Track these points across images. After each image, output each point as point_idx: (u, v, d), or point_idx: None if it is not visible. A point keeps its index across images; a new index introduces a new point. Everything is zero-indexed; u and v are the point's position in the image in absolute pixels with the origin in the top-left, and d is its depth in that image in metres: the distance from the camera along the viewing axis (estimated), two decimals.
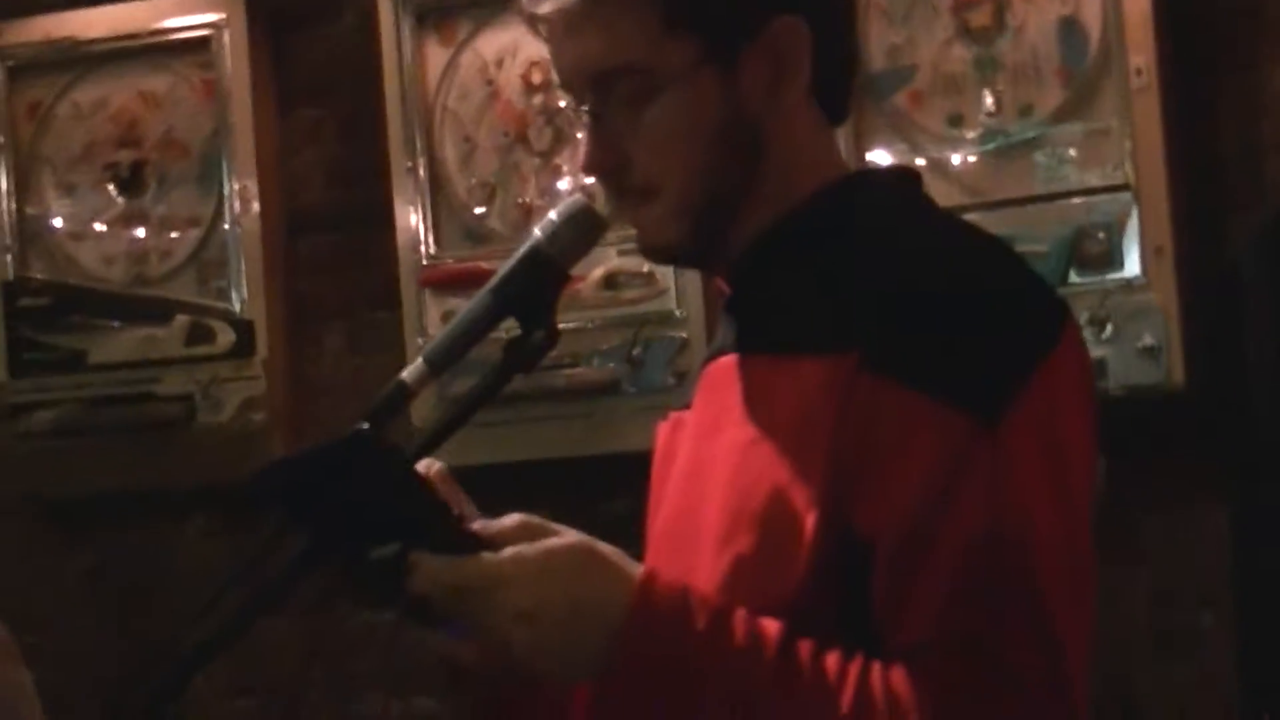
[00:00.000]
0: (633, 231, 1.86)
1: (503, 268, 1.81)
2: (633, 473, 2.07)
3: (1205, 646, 3.59)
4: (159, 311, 4.32)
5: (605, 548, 1.66)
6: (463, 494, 1.88)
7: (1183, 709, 3.57)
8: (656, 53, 1.77)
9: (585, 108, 1.82)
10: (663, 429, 1.96)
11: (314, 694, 4.26)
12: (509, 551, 1.63)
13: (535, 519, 1.67)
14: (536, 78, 4.06)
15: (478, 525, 1.66)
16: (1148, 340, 3.53)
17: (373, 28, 4.14)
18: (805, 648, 1.62)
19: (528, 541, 1.64)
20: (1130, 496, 3.49)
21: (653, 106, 1.77)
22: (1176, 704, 3.56)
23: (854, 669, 1.61)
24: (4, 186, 4.45)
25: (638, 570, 1.65)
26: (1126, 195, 3.57)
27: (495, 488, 1.95)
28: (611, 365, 3.91)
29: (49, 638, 4.21)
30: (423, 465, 1.87)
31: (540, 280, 1.81)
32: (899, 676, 1.61)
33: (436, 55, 4.14)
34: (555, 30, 1.81)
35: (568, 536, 1.66)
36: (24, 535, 4.47)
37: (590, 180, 1.87)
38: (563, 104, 3.96)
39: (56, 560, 4.44)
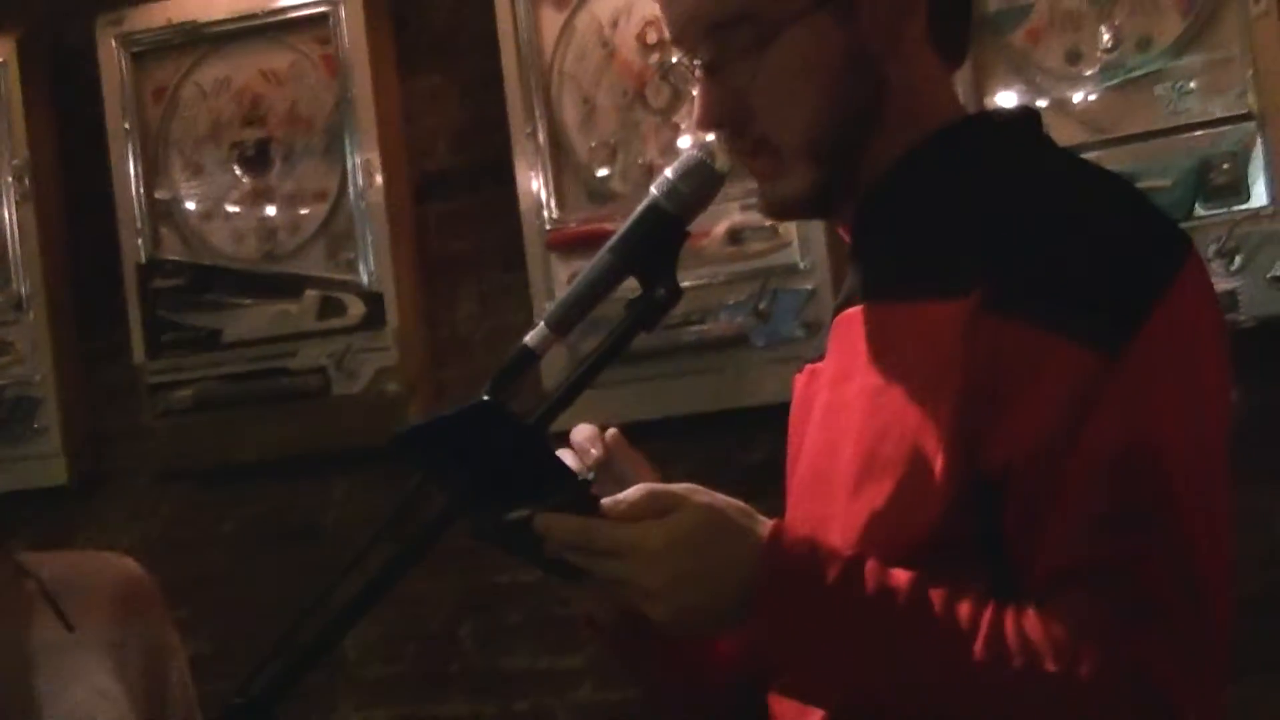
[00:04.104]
0: (753, 185, 1.86)
1: (621, 227, 1.81)
2: (766, 424, 2.08)
3: None
4: (290, 287, 4.36)
5: (731, 509, 1.65)
6: (637, 453, 1.90)
7: None
8: None
9: (700, 62, 1.81)
10: (799, 380, 1.96)
11: (464, 648, 4.30)
12: (632, 508, 1.63)
13: (660, 487, 1.66)
14: (652, 37, 4.05)
15: (606, 501, 1.65)
16: (1279, 269, 3.49)
17: None
18: (937, 596, 1.62)
19: (654, 509, 1.63)
20: (1268, 422, 3.46)
21: (771, 52, 1.76)
22: None
23: (987, 614, 1.61)
24: (134, 170, 4.49)
25: (765, 527, 1.65)
26: (1250, 124, 3.53)
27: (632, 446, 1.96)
28: (739, 319, 3.91)
29: (207, 599, 4.29)
30: (590, 431, 1.89)
31: (659, 237, 1.80)
32: (1032, 620, 1.60)
33: (552, 19, 4.13)
34: None
35: (693, 499, 1.65)
36: (175, 502, 4.54)
37: (709, 138, 1.86)
38: (675, 60, 3.95)
39: (208, 523, 4.51)
